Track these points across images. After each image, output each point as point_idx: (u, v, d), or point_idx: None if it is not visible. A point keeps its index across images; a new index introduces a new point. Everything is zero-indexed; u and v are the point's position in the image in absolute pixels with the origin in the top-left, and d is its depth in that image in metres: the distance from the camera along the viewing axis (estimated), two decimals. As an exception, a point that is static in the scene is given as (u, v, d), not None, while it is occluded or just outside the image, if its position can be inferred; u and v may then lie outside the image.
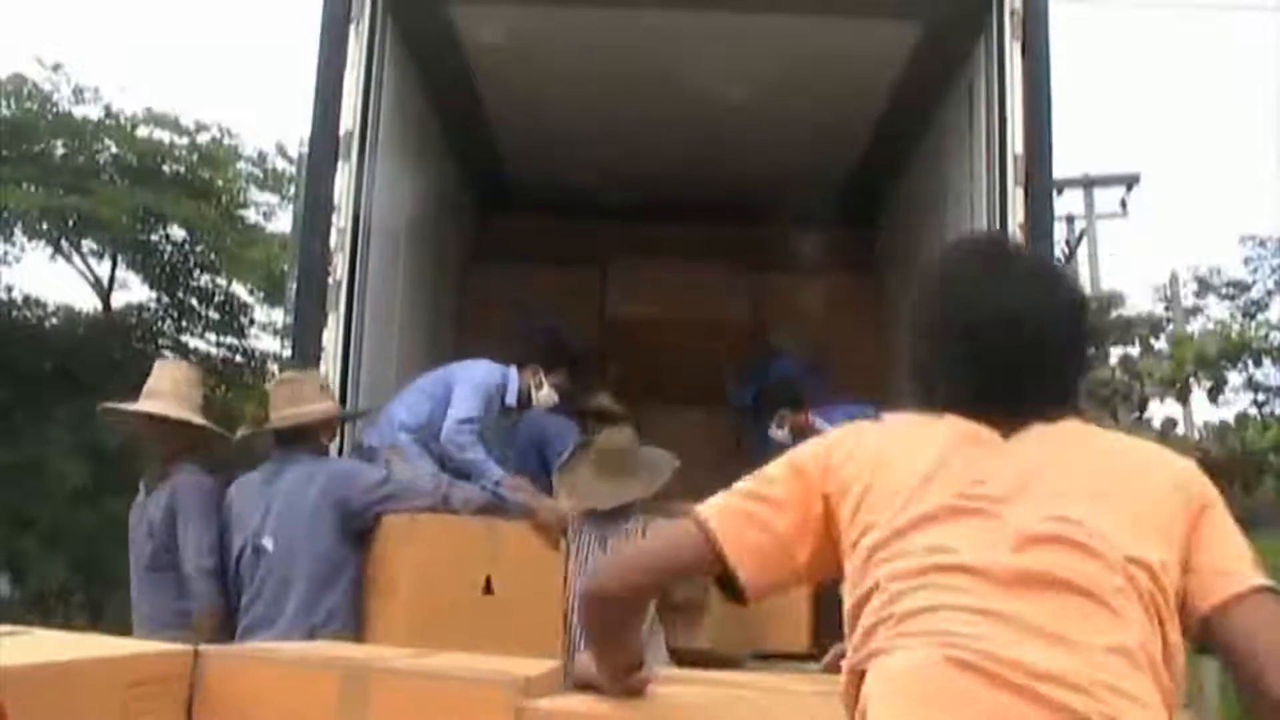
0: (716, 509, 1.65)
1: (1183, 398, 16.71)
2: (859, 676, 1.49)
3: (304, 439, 3.96)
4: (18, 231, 14.57)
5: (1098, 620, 1.41)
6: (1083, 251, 18.39)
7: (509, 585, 3.86)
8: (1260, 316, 20.32)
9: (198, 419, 4.04)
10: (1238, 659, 1.44)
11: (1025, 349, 1.62)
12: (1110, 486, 1.53)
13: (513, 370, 4.95)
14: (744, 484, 1.68)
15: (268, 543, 3.75)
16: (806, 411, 5.31)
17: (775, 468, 1.67)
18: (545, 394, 5.01)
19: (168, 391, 4.01)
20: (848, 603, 1.54)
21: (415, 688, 2.02)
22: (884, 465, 1.58)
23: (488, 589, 3.83)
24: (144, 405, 4.00)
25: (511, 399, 4.93)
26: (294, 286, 5.01)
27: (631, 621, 1.77)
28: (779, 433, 5.26)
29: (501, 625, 3.67)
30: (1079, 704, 1.34)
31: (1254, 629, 1.44)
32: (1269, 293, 21.22)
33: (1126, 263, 44.42)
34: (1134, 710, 1.36)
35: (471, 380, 4.79)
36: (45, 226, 14.40)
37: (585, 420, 5.32)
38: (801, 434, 5.00)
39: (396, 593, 3.78)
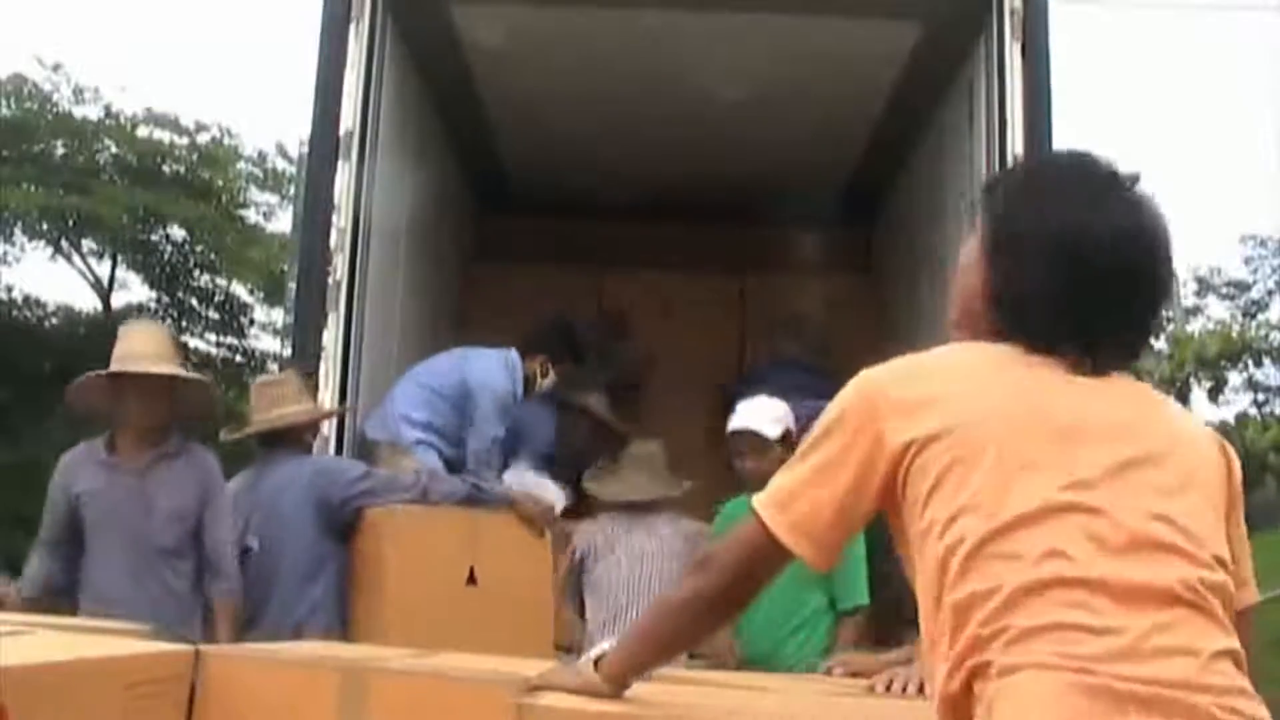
0: (769, 495, 1.63)
1: (1183, 398, 16.70)
2: (968, 679, 1.45)
3: (286, 440, 3.96)
4: (18, 231, 14.59)
5: (1203, 627, 1.44)
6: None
7: (493, 576, 3.89)
8: (1260, 316, 20.36)
9: (200, 377, 3.96)
10: None
11: (1133, 279, 1.60)
12: (1194, 475, 1.54)
13: (514, 356, 4.92)
14: (800, 452, 1.64)
15: (253, 543, 3.77)
16: None
17: (826, 424, 1.62)
18: (548, 382, 5.02)
19: (151, 354, 3.67)
20: (950, 594, 1.47)
21: (416, 688, 2.02)
22: (971, 428, 1.51)
23: (471, 580, 3.87)
24: (142, 366, 3.64)
25: (520, 390, 4.93)
26: (294, 286, 5.01)
27: (722, 625, 1.74)
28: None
29: (486, 616, 3.70)
30: (1204, 702, 1.38)
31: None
32: (1269, 293, 21.27)
33: (1126, 263, 44.09)
34: (1251, 705, 1.41)
35: (494, 392, 4.78)
36: (45, 226, 14.42)
37: (571, 415, 5.31)
38: None
39: (381, 586, 3.81)
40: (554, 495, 4.68)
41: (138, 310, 15.50)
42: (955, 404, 1.54)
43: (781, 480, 1.64)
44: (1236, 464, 1.63)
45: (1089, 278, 1.58)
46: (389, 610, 3.75)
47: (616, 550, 4.20)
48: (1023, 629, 1.42)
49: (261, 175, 15.54)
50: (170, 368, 3.72)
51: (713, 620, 1.72)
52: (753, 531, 1.63)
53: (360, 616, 3.79)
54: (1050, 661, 1.39)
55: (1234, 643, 1.44)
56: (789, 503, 1.61)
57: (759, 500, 1.64)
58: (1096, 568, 1.43)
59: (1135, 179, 1.69)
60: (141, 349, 3.69)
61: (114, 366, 3.67)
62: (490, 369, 4.85)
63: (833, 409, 1.63)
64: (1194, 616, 1.43)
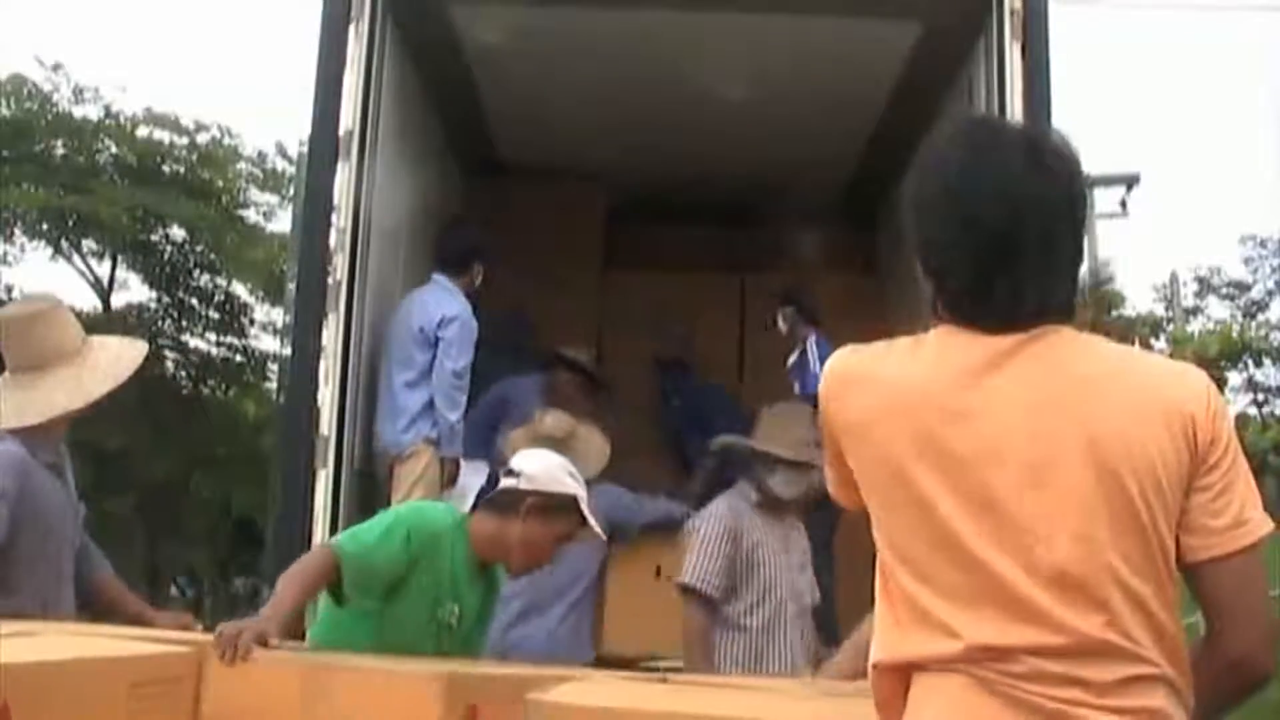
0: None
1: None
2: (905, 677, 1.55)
3: None
4: (18, 231, 14.57)
5: (1105, 661, 1.48)
6: (1082, 251, 18.33)
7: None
8: (1260, 316, 20.36)
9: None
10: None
11: (1024, 228, 1.57)
12: (1120, 473, 1.50)
13: (445, 281, 4.98)
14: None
15: None
16: None
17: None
18: (477, 284, 5.06)
19: (77, 341, 3.36)
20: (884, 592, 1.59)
21: (371, 685, 2.03)
22: (881, 446, 1.57)
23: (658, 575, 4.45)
24: (112, 379, 3.35)
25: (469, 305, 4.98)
26: (294, 286, 5.01)
27: None
28: None
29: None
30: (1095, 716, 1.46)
31: None
32: (1269, 293, 21.26)
33: (1126, 263, 44.47)
34: None
35: (457, 321, 4.81)
36: (45, 226, 14.40)
37: (556, 369, 5.32)
38: None
39: None
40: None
41: (138, 310, 15.50)
42: (877, 430, 1.58)
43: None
44: (1204, 414, 1.55)
45: (978, 218, 1.57)
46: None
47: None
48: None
49: (261, 175, 15.52)
50: (137, 352, 3.52)
51: None
52: None
53: None
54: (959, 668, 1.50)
55: (1143, 669, 1.47)
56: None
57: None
58: (1009, 633, 1.47)
59: (1030, 132, 1.71)
60: (67, 343, 3.36)
61: (103, 376, 3.33)
62: (442, 300, 4.88)
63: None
64: (1102, 657, 1.47)
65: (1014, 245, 1.56)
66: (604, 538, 3.50)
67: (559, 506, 3.07)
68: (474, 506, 3.21)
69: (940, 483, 1.51)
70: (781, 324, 5.86)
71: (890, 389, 1.57)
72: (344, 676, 2.05)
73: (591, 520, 3.13)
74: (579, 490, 3.12)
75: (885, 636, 1.57)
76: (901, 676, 1.54)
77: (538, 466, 3.14)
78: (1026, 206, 1.57)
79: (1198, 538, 1.53)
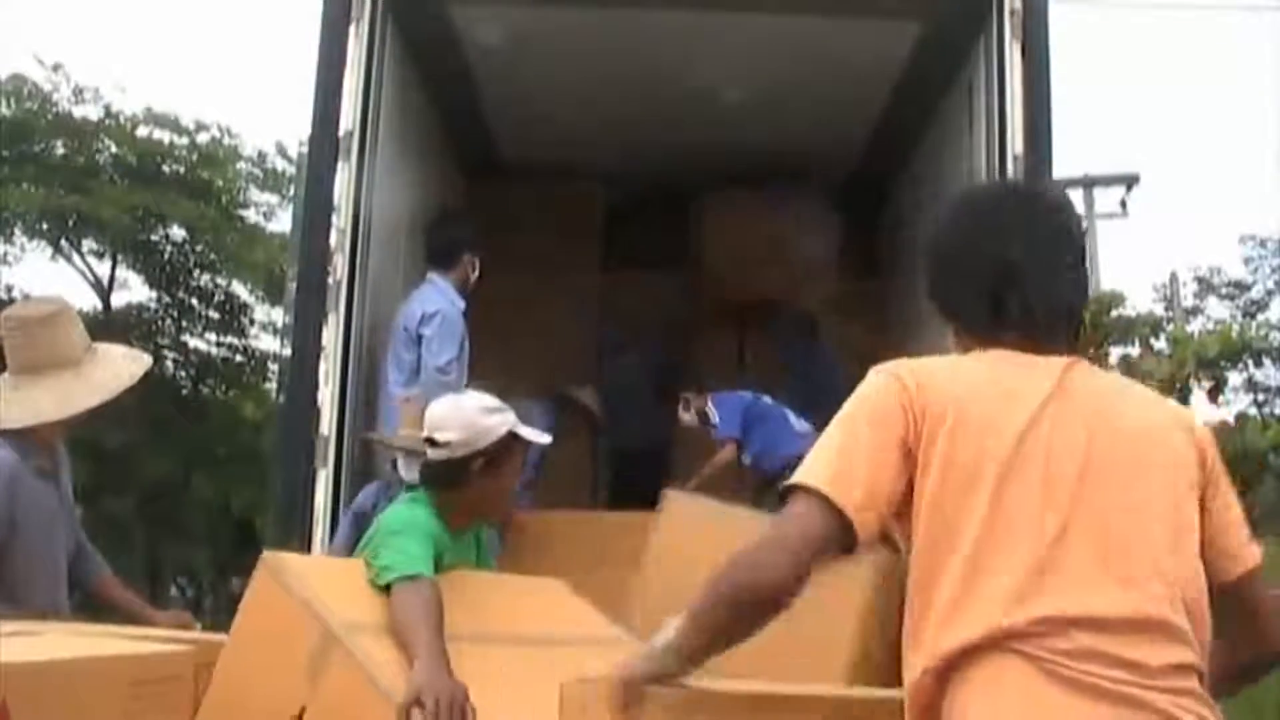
0: (825, 476, 1.64)
1: (1183, 398, 16.65)
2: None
3: None
4: (18, 231, 14.59)
5: (1155, 641, 1.55)
6: (1082, 251, 18.33)
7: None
8: (1260, 316, 20.40)
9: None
10: None
11: (1022, 251, 1.76)
12: (1153, 477, 1.65)
13: (435, 277, 4.93)
14: (837, 438, 1.70)
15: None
16: (706, 396, 5.52)
17: (858, 415, 1.71)
18: (473, 278, 5.02)
19: (80, 349, 3.33)
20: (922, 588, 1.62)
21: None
22: (968, 445, 1.62)
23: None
24: (125, 378, 3.38)
25: (461, 301, 4.91)
26: (294, 286, 5.01)
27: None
28: (685, 415, 5.55)
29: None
30: (1161, 701, 1.51)
31: None
32: (1269, 293, 21.30)
33: (1126, 263, 44.65)
34: (1198, 706, 1.55)
35: (437, 317, 4.72)
36: (45, 226, 14.42)
37: (565, 408, 5.35)
38: (703, 418, 5.47)
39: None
40: None
41: (138, 310, 15.52)
42: (973, 421, 1.65)
43: (826, 456, 1.70)
44: (1208, 442, 1.74)
45: (980, 249, 1.79)
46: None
47: None
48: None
49: (261, 175, 15.54)
50: (137, 368, 3.47)
51: (765, 619, 1.67)
52: (812, 514, 1.64)
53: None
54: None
55: (1186, 655, 1.55)
56: (840, 475, 1.66)
57: (810, 478, 1.65)
58: (1053, 607, 1.53)
59: (1041, 190, 2.02)
60: (70, 348, 3.34)
61: (94, 389, 3.30)
62: (425, 299, 4.83)
63: (859, 395, 1.77)
64: (1161, 638, 1.55)
65: (1015, 267, 1.75)
66: (548, 440, 3.23)
67: (501, 449, 2.92)
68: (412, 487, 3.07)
69: (1015, 463, 1.60)
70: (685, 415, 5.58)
71: (979, 379, 1.70)
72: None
73: (531, 434, 3.01)
74: (508, 419, 2.96)
75: (931, 636, 1.58)
76: (943, 679, 1.57)
77: (461, 430, 2.92)
78: (1020, 232, 1.78)
79: (1229, 559, 1.71)
